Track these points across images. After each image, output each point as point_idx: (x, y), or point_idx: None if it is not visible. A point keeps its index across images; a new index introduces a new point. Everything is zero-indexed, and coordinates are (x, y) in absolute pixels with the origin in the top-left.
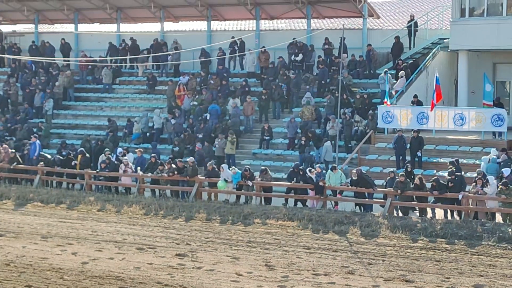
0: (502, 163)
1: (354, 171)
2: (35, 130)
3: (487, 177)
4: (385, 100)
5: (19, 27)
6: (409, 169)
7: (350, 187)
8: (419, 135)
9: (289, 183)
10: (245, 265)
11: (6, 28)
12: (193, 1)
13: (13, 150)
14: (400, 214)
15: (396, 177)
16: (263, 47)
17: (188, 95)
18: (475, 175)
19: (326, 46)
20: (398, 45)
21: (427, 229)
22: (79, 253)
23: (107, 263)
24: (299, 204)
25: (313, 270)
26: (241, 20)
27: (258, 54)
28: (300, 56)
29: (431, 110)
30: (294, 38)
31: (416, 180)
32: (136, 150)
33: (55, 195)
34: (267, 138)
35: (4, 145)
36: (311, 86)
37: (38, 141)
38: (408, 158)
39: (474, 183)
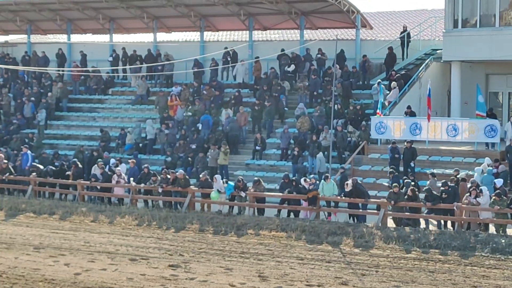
0: (500, 174)
1: (349, 181)
2: (27, 140)
3: (480, 187)
4: (378, 111)
5: (11, 38)
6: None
7: (343, 198)
8: (412, 146)
9: (282, 194)
10: (238, 276)
11: None
12: (186, 12)
13: (6, 161)
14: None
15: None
16: (257, 57)
17: (181, 105)
18: (469, 185)
19: (319, 56)
20: (391, 56)
21: (421, 240)
22: (72, 264)
23: (100, 274)
24: (293, 215)
25: (307, 281)
26: (234, 31)
27: (251, 65)
28: (292, 67)
29: (428, 120)
30: (282, 50)
31: (409, 191)
32: (129, 161)
33: (48, 206)
34: (259, 148)
35: None
36: (303, 96)
37: (29, 152)
38: (401, 168)
39: (467, 194)
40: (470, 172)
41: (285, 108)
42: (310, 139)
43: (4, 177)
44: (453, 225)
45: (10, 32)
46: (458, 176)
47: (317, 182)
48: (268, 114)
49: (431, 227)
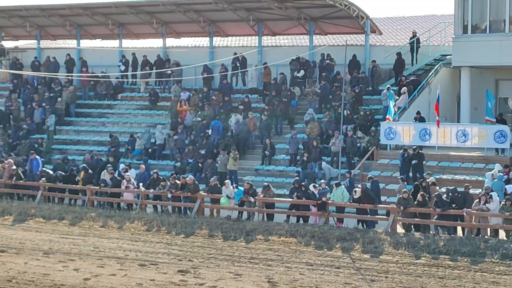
0: (511, 180)
1: (359, 186)
2: (36, 146)
3: (490, 193)
4: (388, 116)
5: (21, 43)
6: (423, 184)
7: (352, 203)
8: (420, 151)
9: (291, 199)
10: (248, 282)
11: (9, 44)
12: (195, 17)
13: (15, 167)
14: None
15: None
16: (265, 63)
17: (190, 111)
18: (478, 191)
19: (327, 62)
20: (399, 62)
21: (430, 245)
22: (81, 269)
23: (109, 280)
24: (302, 221)
25: (316, 287)
26: (244, 36)
27: (260, 70)
28: (302, 72)
29: (438, 126)
30: (297, 56)
31: (419, 197)
32: (139, 166)
33: (57, 211)
34: (268, 153)
35: (7, 161)
36: (312, 101)
37: (38, 157)
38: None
39: (477, 200)
40: (480, 178)
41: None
42: (311, 145)
43: (13, 182)
44: (463, 231)
45: (20, 37)
46: (428, 180)
47: (327, 187)
48: (276, 118)
49: (440, 233)
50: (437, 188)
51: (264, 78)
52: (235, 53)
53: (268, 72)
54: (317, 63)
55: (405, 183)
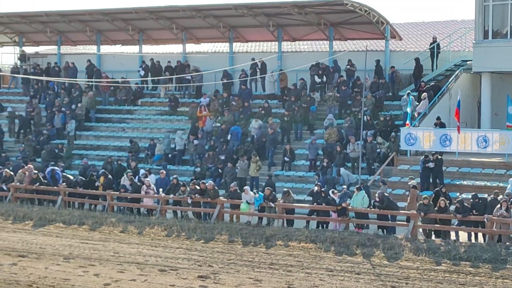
0: None
1: (376, 194)
2: (56, 151)
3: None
4: (407, 122)
5: (42, 48)
6: (443, 190)
7: (373, 209)
8: (440, 157)
9: (311, 205)
10: (268, 287)
11: (29, 49)
12: (215, 23)
13: (36, 171)
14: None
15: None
16: (281, 69)
17: (210, 116)
18: (500, 197)
19: (348, 67)
20: (418, 67)
21: (451, 252)
22: (101, 275)
23: (129, 285)
24: (322, 226)
25: None
26: (263, 42)
27: (279, 76)
28: (324, 78)
29: (458, 132)
30: (317, 61)
31: (439, 203)
32: (160, 172)
33: (77, 216)
34: (287, 159)
35: (28, 166)
36: (332, 106)
37: (57, 169)
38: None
39: (498, 206)
40: (501, 184)
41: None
42: (335, 150)
43: (34, 187)
44: (484, 237)
45: (40, 43)
46: (410, 183)
47: (347, 191)
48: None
49: (461, 239)
50: (418, 191)
51: (280, 84)
52: (253, 59)
53: (283, 77)
54: (341, 69)
55: (386, 186)
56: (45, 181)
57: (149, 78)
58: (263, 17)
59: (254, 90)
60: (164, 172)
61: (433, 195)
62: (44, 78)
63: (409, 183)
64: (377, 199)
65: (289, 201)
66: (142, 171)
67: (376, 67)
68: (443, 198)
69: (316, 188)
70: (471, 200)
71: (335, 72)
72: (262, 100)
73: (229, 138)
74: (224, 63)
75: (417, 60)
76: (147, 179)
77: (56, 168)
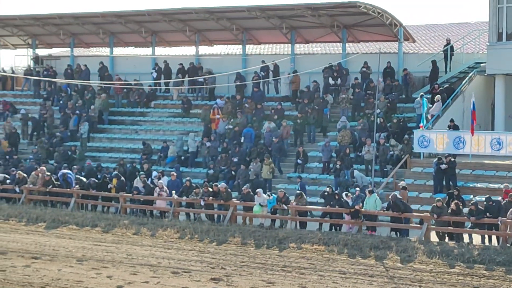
0: None
1: (390, 197)
2: (69, 153)
3: None
4: (421, 124)
5: (55, 51)
6: (455, 193)
7: (385, 211)
8: (453, 159)
9: (324, 208)
10: None
11: (42, 52)
12: (228, 25)
13: (49, 173)
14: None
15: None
16: (295, 71)
17: (223, 118)
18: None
19: (364, 70)
20: (434, 69)
21: (464, 254)
22: (114, 277)
23: (142, 287)
24: (335, 229)
25: None
26: (276, 44)
27: (291, 78)
28: (338, 80)
29: (472, 134)
30: (330, 63)
31: (452, 205)
32: (170, 174)
33: (90, 218)
34: (300, 161)
35: (40, 168)
36: (345, 109)
37: (69, 172)
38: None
39: None
40: None
41: (329, 119)
42: (344, 152)
43: (47, 189)
44: (497, 240)
45: (53, 45)
46: (399, 185)
47: (361, 194)
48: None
49: (475, 242)
50: (407, 193)
51: (292, 86)
52: (263, 61)
53: (295, 80)
54: (354, 71)
55: (406, 190)
56: (58, 183)
57: (162, 81)
58: (276, 19)
59: (267, 92)
60: (175, 174)
61: (447, 197)
62: (57, 80)
63: (398, 184)
64: (391, 202)
65: (302, 203)
66: (154, 173)
67: (387, 69)
68: (456, 200)
69: (327, 189)
70: (485, 202)
71: (348, 75)
72: (275, 103)
73: (242, 140)
74: (237, 65)
75: (433, 62)
76: (160, 181)
77: (67, 171)
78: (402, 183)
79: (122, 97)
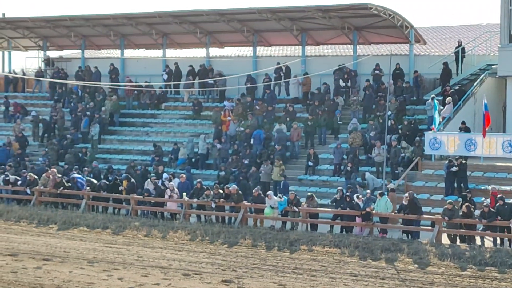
0: None
1: (406, 195)
2: (80, 155)
3: None
4: (433, 126)
5: (66, 53)
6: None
7: (397, 214)
8: (464, 161)
9: (335, 210)
10: None
11: (53, 54)
12: (239, 27)
13: (60, 175)
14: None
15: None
16: (306, 73)
17: (233, 120)
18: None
19: (376, 72)
20: (446, 71)
21: (476, 257)
22: (125, 279)
23: None
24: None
25: None
26: (287, 46)
27: (302, 80)
28: (348, 82)
29: (484, 136)
30: (340, 64)
31: (463, 208)
32: (180, 176)
33: (101, 220)
34: (311, 163)
35: (51, 170)
36: (356, 111)
37: (79, 176)
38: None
39: None
40: None
41: (339, 122)
42: (353, 154)
43: (58, 191)
44: (509, 242)
45: (64, 47)
46: (388, 186)
47: (372, 196)
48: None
49: (486, 244)
50: (395, 194)
51: (303, 88)
52: (278, 63)
53: (306, 82)
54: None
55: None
56: (69, 184)
57: (173, 83)
58: (287, 21)
59: (277, 94)
60: (184, 176)
61: (461, 200)
62: (68, 81)
63: (387, 186)
64: (405, 203)
65: (313, 205)
66: (165, 175)
67: (396, 70)
68: (467, 203)
69: (338, 194)
70: (497, 204)
71: (357, 76)
72: (286, 105)
73: (252, 142)
74: (247, 67)
75: (445, 64)
76: (171, 183)
77: (77, 176)
78: (390, 185)
79: (133, 99)
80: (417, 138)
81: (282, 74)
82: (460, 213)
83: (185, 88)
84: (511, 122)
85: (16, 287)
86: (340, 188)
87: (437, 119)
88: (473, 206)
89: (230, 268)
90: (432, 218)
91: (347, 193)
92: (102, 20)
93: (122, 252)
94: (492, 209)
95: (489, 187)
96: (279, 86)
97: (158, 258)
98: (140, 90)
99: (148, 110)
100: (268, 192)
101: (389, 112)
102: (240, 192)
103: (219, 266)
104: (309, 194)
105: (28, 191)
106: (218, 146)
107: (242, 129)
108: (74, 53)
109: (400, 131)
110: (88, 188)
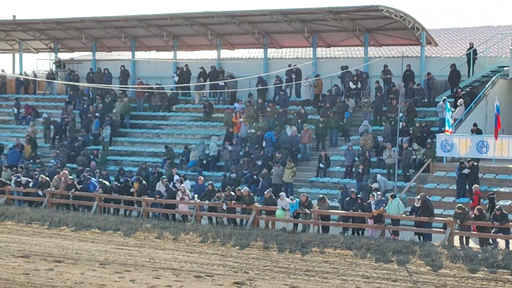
0: None
1: (418, 197)
2: (91, 157)
3: None
4: (446, 128)
5: (77, 55)
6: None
7: (409, 216)
8: (476, 163)
9: (347, 212)
10: None
11: (64, 56)
12: (249, 29)
13: (71, 177)
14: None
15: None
16: (317, 75)
17: (245, 122)
18: None
19: (387, 76)
20: (454, 73)
21: (488, 259)
22: (137, 281)
23: None
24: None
25: None
26: (298, 48)
27: (313, 82)
28: (358, 84)
29: (496, 138)
30: (344, 66)
31: (475, 211)
32: (198, 178)
33: (113, 222)
34: (323, 165)
35: (63, 172)
36: (367, 113)
37: (93, 179)
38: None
39: None
40: None
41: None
42: (364, 156)
43: (70, 193)
44: None
45: (75, 49)
46: (372, 186)
47: (383, 198)
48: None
49: (499, 247)
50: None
51: (314, 90)
52: (290, 65)
53: (317, 84)
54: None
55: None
56: (81, 186)
57: (184, 85)
58: (297, 23)
59: (289, 96)
60: (202, 178)
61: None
62: (79, 83)
63: (371, 185)
64: (417, 205)
65: (325, 207)
66: (176, 177)
67: (407, 72)
68: (479, 206)
69: (351, 195)
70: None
71: (368, 78)
72: (297, 106)
73: (263, 144)
74: (258, 69)
75: (453, 66)
76: (182, 185)
77: (91, 178)
78: (374, 185)
79: (144, 101)
80: (429, 140)
81: (293, 76)
82: (472, 216)
83: (196, 90)
84: None
85: None
86: (352, 189)
87: (450, 121)
88: (489, 208)
89: (241, 270)
90: (444, 220)
91: (359, 195)
92: (113, 22)
93: (134, 254)
94: (504, 211)
95: (501, 189)
96: (290, 88)
97: (170, 260)
98: (151, 92)
99: (159, 112)
100: (280, 194)
101: (401, 114)
102: (251, 194)
103: (230, 268)
104: (320, 196)
105: (40, 192)
106: (229, 148)
107: (253, 131)
108: (85, 55)
109: (411, 133)
110: (100, 190)
